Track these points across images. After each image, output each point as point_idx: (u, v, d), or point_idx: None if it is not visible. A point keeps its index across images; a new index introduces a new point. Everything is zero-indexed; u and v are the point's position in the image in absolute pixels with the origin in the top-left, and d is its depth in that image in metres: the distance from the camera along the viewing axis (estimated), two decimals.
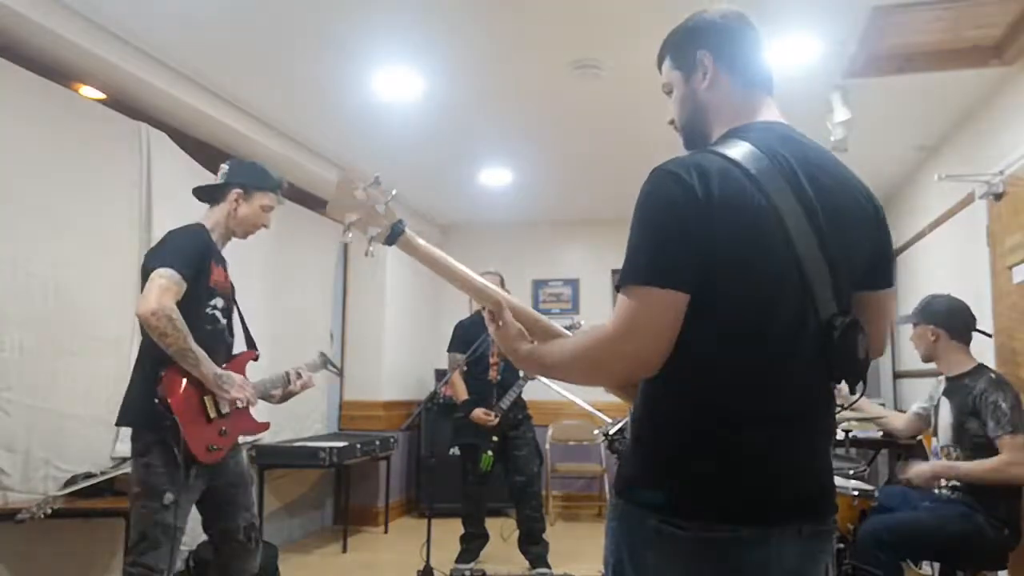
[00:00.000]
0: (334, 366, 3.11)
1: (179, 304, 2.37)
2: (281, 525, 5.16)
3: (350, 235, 1.45)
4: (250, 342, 2.84)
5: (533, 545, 4.36)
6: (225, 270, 2.69)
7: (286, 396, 2.82)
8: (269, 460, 4.79)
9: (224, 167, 2.73)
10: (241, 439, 2.72)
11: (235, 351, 2.76)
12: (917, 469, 3.06)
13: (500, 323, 1.40)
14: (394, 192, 1.45)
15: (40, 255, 3.16)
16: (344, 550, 5.05)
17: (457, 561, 4.44)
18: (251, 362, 2.78)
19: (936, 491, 3.05)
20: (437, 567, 3.98)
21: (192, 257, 2.47)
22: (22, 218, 3.10)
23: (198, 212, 2.73)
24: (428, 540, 4.02)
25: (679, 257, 1.11)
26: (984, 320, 3.59)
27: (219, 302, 2.60)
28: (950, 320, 3.05)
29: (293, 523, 5.36)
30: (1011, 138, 3.50)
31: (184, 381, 2.43)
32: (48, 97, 3.26)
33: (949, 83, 3.63)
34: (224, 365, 2.58)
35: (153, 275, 2.37)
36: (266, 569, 4.01)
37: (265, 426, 2.81)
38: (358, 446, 5.08)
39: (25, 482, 3.09)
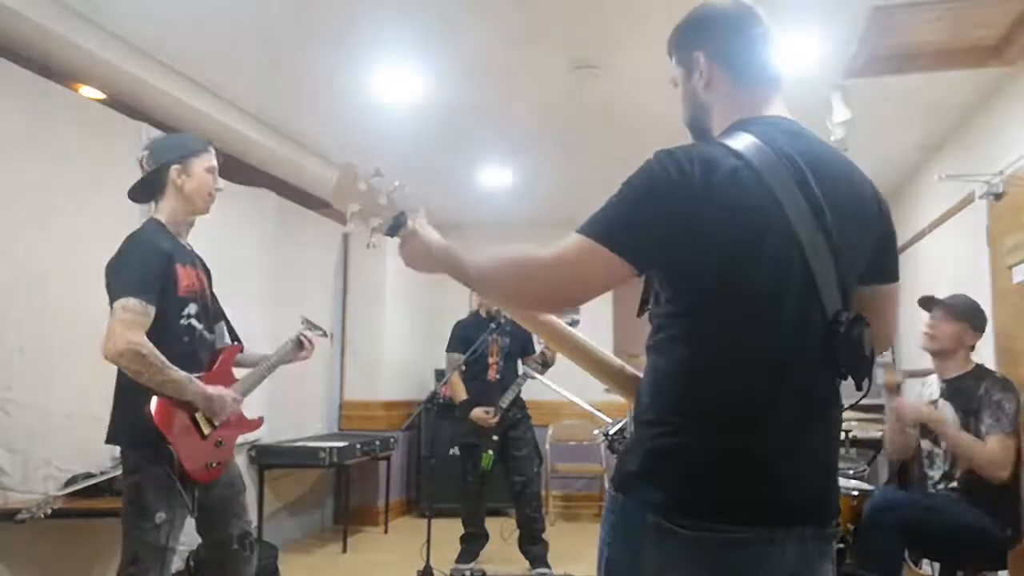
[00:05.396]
0: (318, 327, 2.92)
1: (151, 328, 2.22)
2: (281, 525, 5.15)
3: (351, 225, 1.42)
4: (233, 334, 2.69)
5: (533, 545, 4.36)
6: (194, 266, 2.49)
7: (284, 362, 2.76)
8: (269, 460, 4.79)
9: (145, 154, 2.47)
10: (240, 439, 2.68)
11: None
12: (908, 403, 3.10)
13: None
14: (397, 183, 1.42)
15: (40, 255, 3.16)
16: (344, 550, 5.05)
17: (457, 561, 4.43)
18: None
19: (933, 489, 3.05)
20: (437, 567, 3.98)
21: (152, 276, 2.27)
22: (22, 218, 3.10)
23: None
24: (428, 540, 4.01)
25: (639, 231, 1.14)
26: None
27: (192, 308, 2.42)
28: (981, 323, 3.05)
29: (293, 523, 5.36)
30: (1011, 138, 3.50)
31: (173, 406, 2.31)
32: (48, 97, 3.25)
33: (949, 83, 3.63)
34: (213, 367, 2.50)
35: (115, 307, 2.19)
36: (266, 569, 4.02)
37: (259, 422, 2.72)
38: (358, 446, 5.09)
39: (25, 482, 3.09)
